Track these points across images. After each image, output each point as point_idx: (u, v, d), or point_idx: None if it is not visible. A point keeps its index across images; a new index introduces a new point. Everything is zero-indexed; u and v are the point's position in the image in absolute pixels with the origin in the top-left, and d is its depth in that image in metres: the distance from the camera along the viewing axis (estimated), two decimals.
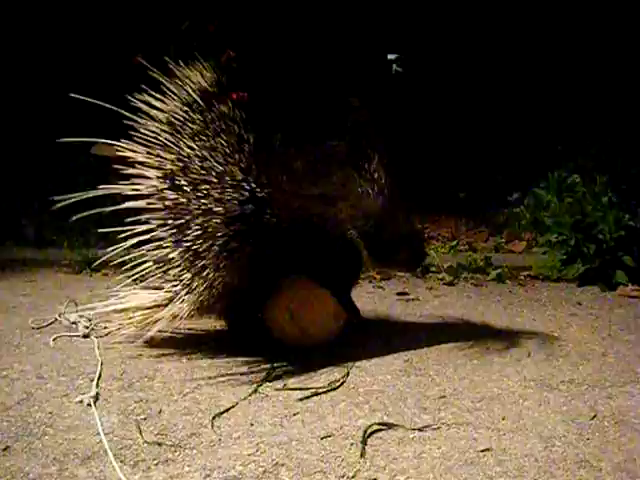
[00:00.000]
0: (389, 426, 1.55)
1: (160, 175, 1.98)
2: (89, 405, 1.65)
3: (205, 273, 1.91)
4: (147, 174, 1.98)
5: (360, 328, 2.23)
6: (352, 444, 1.47)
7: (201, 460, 1.40)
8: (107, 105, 1.94)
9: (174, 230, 1.94)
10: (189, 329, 2.23)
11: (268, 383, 1.81)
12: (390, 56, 5.62)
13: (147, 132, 1.99)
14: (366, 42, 5.23)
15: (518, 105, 4.87)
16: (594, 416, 1.62)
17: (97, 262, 2.15)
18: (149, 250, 1.98)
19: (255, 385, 1.79)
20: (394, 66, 5.62)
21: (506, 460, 1.41)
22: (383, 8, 5.13)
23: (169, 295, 1.97)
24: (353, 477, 1.34)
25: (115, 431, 1.52)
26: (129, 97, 1.99)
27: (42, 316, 2.38)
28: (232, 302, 2.03)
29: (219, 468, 1.36)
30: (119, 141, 2.00)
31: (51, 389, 1.77)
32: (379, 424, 1.56)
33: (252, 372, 1.89)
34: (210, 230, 1.91)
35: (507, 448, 1.46)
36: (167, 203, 1.96)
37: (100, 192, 2.00)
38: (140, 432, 1.51)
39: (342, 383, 1.82)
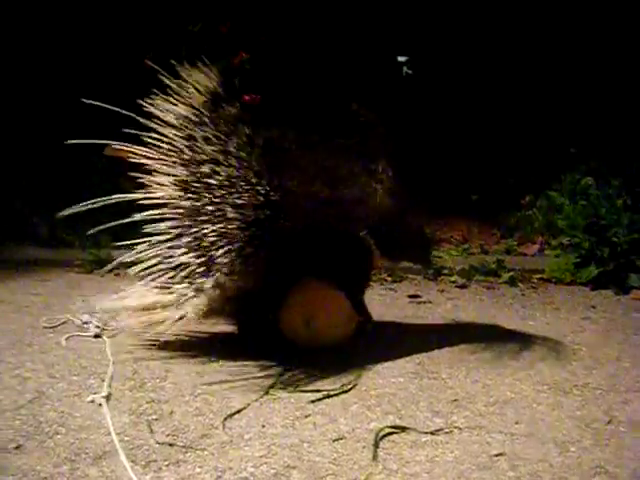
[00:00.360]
0: (401, 429, 1.54)
1: (175, 181, 1.96)
2: (100, 405, 1.64)
3: (218, 277, 1.88)
4: (161, 180, 1.97)
5: (372, 330, 2.22)
6: (364, 447, 1.46)
7: (212, 461, 1.39)
8: (118, 109, 1.93)
9: (189, 238, 1.92)
10: (200, 331, 2.22)
11: (279, 385, 1.80)
12: (400, 58, 5.60)
13: (160, 136, 1.98)
14: (376, 44, 5.21)
15: (531, 107, 4.84)
16: (609, 421, 1.60)
17: (109, 264, 2.12)
18: (164, 257, 1.95)
19: (266, 387, 1.78)
20: (404, 68, 5.60)
21: (520, 465, 1.39)
22: (393, 10, 5.12)
23: (178, 296, 1.95)
24: None
25: (126, 431, 1.52)
26: (140, 101, 1.98)
27: (54, 315, 2.39)
28: (244, 304, 2.02)
29: (230, 469, 1.36)
30: (130, 144, 1.99)
31: (63, 388, 1.77)
32: (391, 427, 1.54)
33: (263, 374, 1.88)
34: (226, 236, 1.88)
35: (521, 453, 1.44)
36: (182, 210, 1.94)
37: (113, 199, 1.97)
38: (151, 432, 1.50)
39: (354, 385, 1.81)
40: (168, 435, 1.50)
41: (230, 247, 1.88)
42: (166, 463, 1.38)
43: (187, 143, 1.96)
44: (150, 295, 2.00)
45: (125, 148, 1.99)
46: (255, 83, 3.89)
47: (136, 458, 1.39)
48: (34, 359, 1.98)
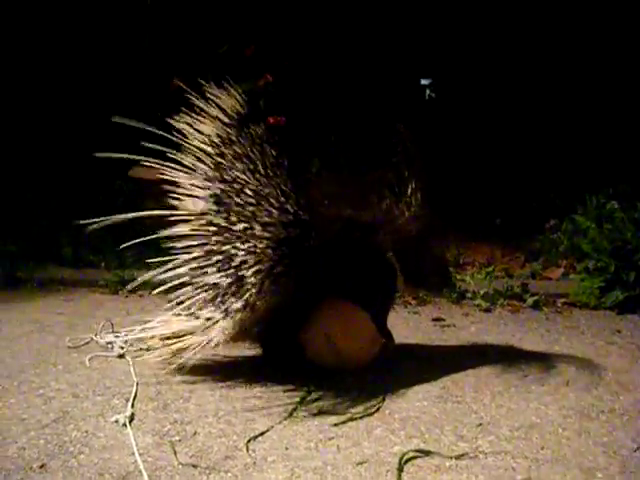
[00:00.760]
0: (425, 453, 1.53)
1: (208, 194, 1.96)
2: (124, 425, 1.65)
3: (248, 297, 1.87)
4: (195, 193, 1.98)
5: (395, 353, 2.21)
6: (388, 471, 1.45)
7: None
8: (148, 127, 1.95)
9: (220, 257, 1.91)
10: (224, 355, 2.22)
11: (303, 407, 1.80)
12: (424, 81, 5.63)
13: (191, 153, 1.99)
14: (400, 67, 5.24)
15: (555, 131, 4.83)
16: (637, 448, 1.57)
17: (133, 284, 2.12)
18: (193, 277, 1.95)
19: (290, 409, 1.78)
20: (427, 91, 5.63)
21: None
22: (416, 34, 5.15)
23: (204, 321, 1.93)
24: None
25: (150, 452, 1.52)
26: (168, 119, 2.00)
27: (78, 335, 2.41)
28: (268, 326, 2.02)
29: None
30: (159, 164, 2.01)
31: (87, 408, 1.78)
32: (415, 451, 1.53)
33: (287, 396, 1.88)
34: (256, 255, 1.88)
35: (546, 479, 1.42)
36: (212, 228, 1.94)
37: (140, 215, 1.98)
38: (175, 453, 1.50)
39: (378, 409, 1.80)
40: (191, 456, 1.50)
41: (260, 267, 1.87)
42: None
43: (217, 160, 1.97)
44: (176, 323, 2.00)
45: (155, 165, 2.00)
46: (279, 105, 3.91)
47: (159, 479, 1.40)
48: (58, 378, 1.99)
